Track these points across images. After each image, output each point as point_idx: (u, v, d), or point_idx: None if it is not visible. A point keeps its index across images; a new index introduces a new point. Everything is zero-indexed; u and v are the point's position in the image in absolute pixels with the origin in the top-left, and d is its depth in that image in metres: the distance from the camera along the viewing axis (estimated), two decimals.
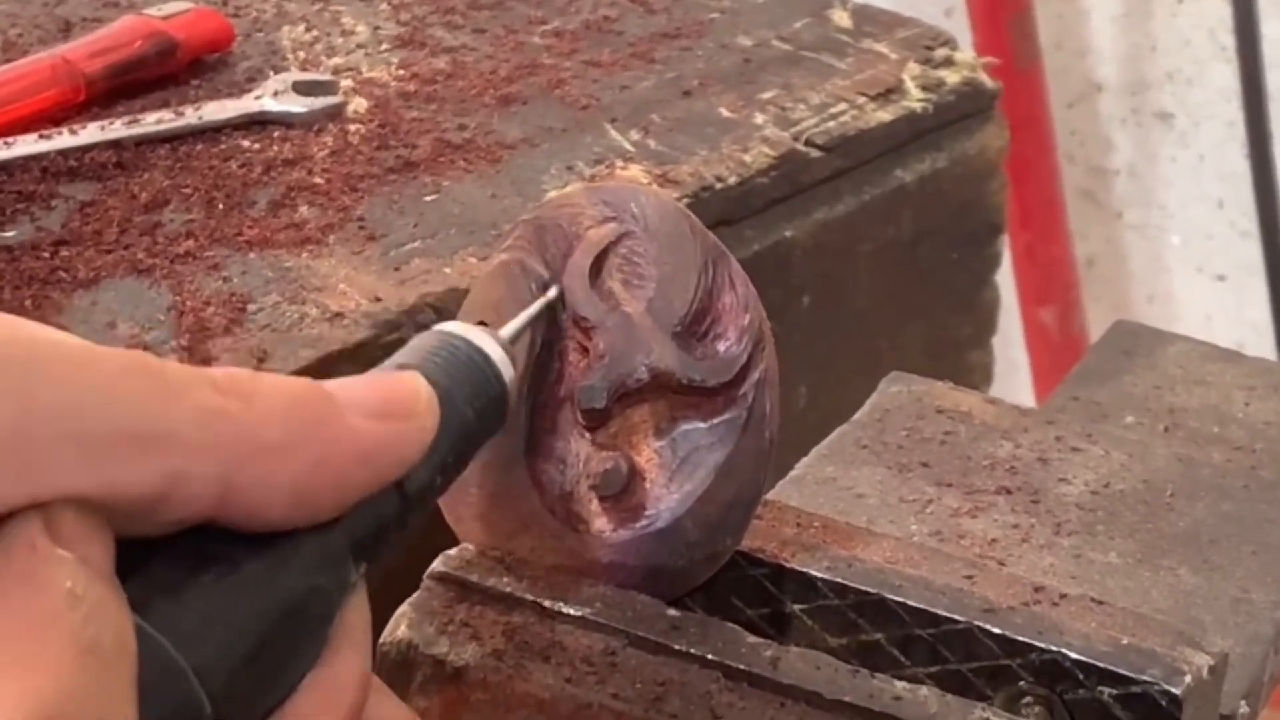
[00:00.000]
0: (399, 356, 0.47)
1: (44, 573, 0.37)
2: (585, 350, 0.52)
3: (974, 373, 0.99)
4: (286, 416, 0.41)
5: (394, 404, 0.43)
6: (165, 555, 0.40)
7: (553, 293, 0.52)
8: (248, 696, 0.40)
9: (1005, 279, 1.02)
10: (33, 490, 0.38)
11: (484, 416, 0.46)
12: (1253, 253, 1.57)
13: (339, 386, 0.43)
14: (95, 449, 0.38)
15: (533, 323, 0.51)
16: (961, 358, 0.98)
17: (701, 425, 0.52)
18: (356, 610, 0.43)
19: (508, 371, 0.47)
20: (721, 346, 0.52)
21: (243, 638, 0.40)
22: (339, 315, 0.75)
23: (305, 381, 0.42)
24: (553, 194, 0.82)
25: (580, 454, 0.52)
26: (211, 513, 0.40)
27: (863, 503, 0.65)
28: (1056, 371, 1.52)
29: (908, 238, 0.93)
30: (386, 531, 0.44)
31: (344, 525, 0.42)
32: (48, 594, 0.37)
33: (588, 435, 0.52)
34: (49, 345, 0.39)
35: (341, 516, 0.42)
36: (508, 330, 0.49)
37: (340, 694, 0.42)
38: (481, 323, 0.49)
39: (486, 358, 0.47)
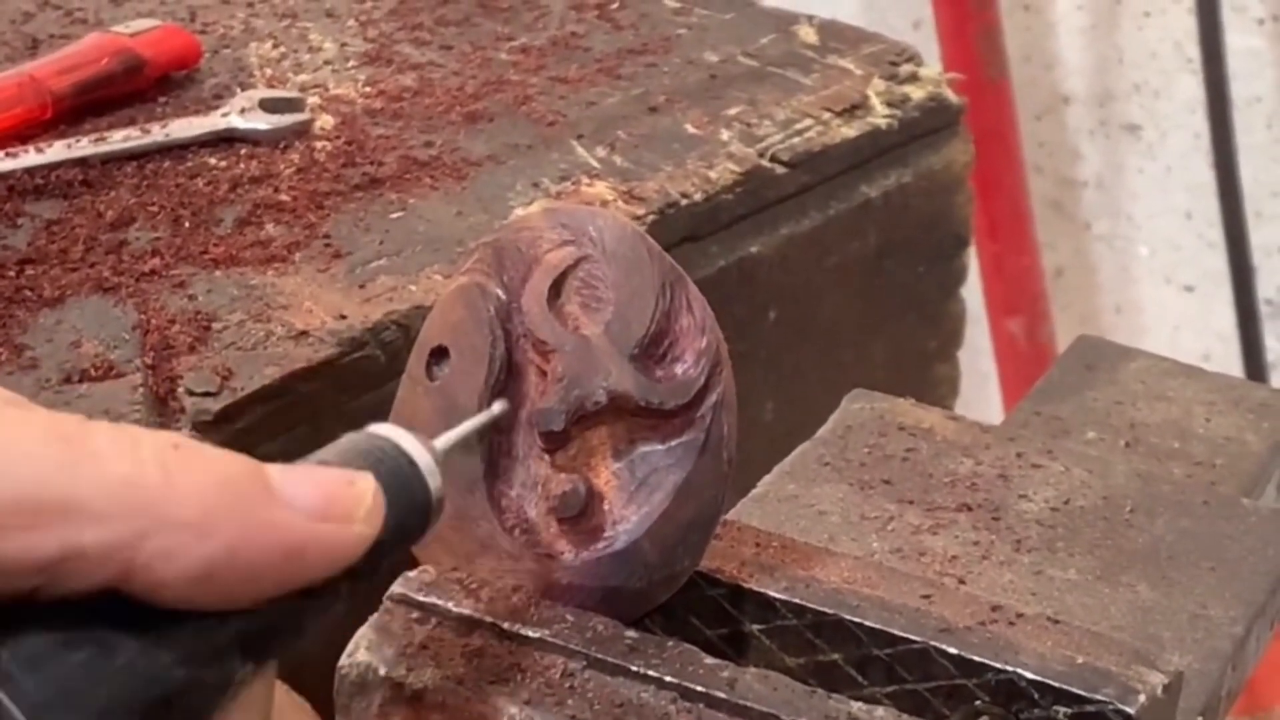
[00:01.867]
0: (325, 453, 0.45)
1: None
2: (544, 373, 0.53)
3: (940, 386, 0.99)
4: (206, 495, 0.40)
5: (335, 504, 0.41)
6: (48, 620, 0.39)
7: (497, 408, 0.52)
8: None
9: (973, 290, 1.03)
10: None
11: (404, 526, 0.45)
12: (1219, 264, 1.57)
13: (283, 472, 0.41)
14: None
15: (475, 435, 0.51)
16: (928, 371, 0.99)
17: (660, 447, 0.52)
18: (247, 709, 0.42)
19: (435, 482, 0.46)
20: (679, 369, 0.52)
21: (101, 718, 0.39)
22: (304, 333, 0.75)
23: (244, 462, 0.41)
24: (519, 211, 0.83)
25: (539, 476, 0.53)
26: (114, 583, 0.39)
27: (824, 520, 0.65)
28: (1025, 382, 1.53)
29: (873, 253, 0.93)
30: (280, 633, 0.42)
31: (240, 622, 0.41)
32: None
33: (546, 457, 0.53)
34: None
35: (238, 614, 0.41)
36: (443, 441, 0.48)
37: None
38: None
39: (415, 466, 0.45)
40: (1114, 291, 1.72)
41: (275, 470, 0.41)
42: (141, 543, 0.39)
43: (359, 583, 0.44)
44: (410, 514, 0.45)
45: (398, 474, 0.45)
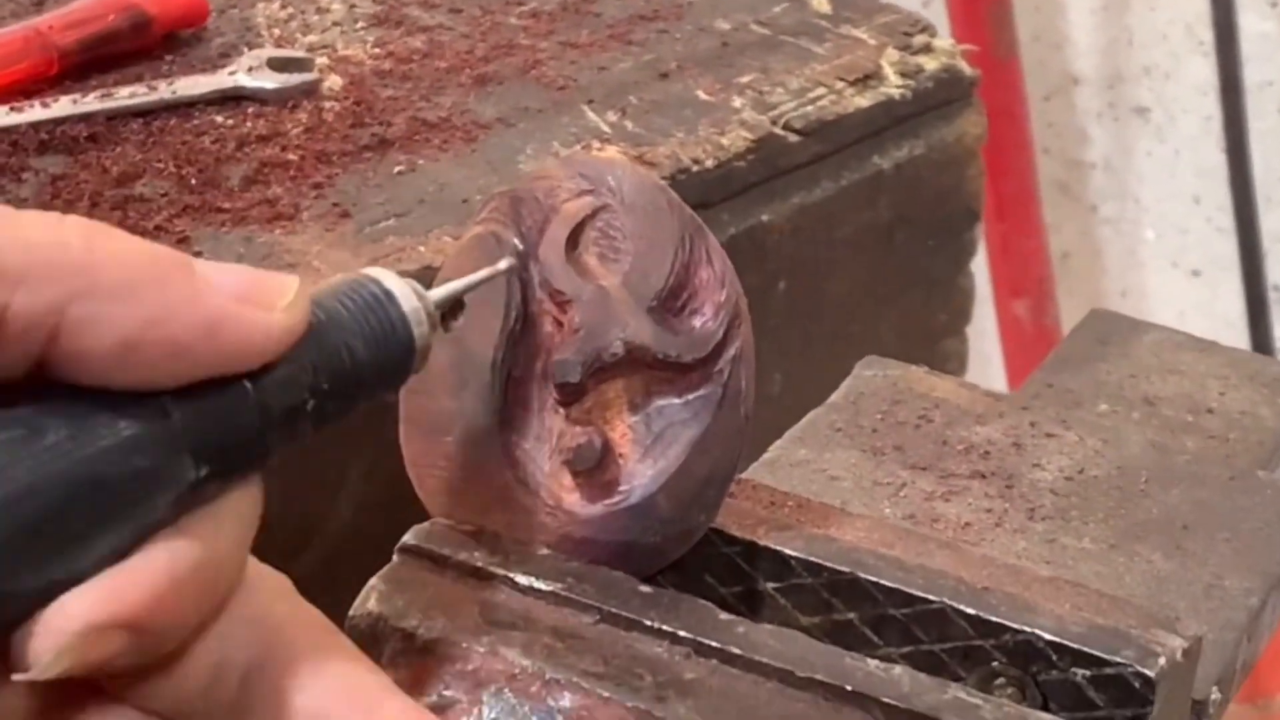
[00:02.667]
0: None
1: None
2: (560, 324, 0.52)
3: (949, 361, 0.99)
4: (128, 263, 0.40)
5: (257, 291, 0.42)
6: None
7: (503, 264, 0.51)
8: (30, 558, 0.39)
9: (979, 271, 1.02)
10: None
11: (379, 361, 0.44)
12: (1227, 248, 1.57)
13: (208, 265, 0.42)
14: None
15: (477, 288, 0.49)
16: (937, 345, 0.98)
17: (676, 401, 0.51)
18: (216, 527, 0.42)
19: (419, 324, 0.45)
20: (697, 322, 0.52)
21: (29, 495, 0.39)
22: None
23: (161, 246, 0.42)
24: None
25: (554, 429, 0.52)
26: (40, 351, 0.39)
27: (836, 485, 0.64)
28: (1029, 364, 1.52)
29: (885, 224, 0.93)
30: (237, 439, 0.42)
31: (181, 415, 0.41)
32: None
33: (562, 410, 0.52)
34: None
35: (174, 404, 0.41)
36: (438, 292, 0.47)
37: (157, 575, 0.40)
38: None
39: (395, 303, 0.45)
40: (1120, 275, 1.71)
41: (201, 263, 0.42)
42: (68, 307, 0.39)
43: (327, 408, 0.43)
44: (386, 348, 0.44)
45: (375, 306, 0.44)
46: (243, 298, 0.42)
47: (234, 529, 0.43)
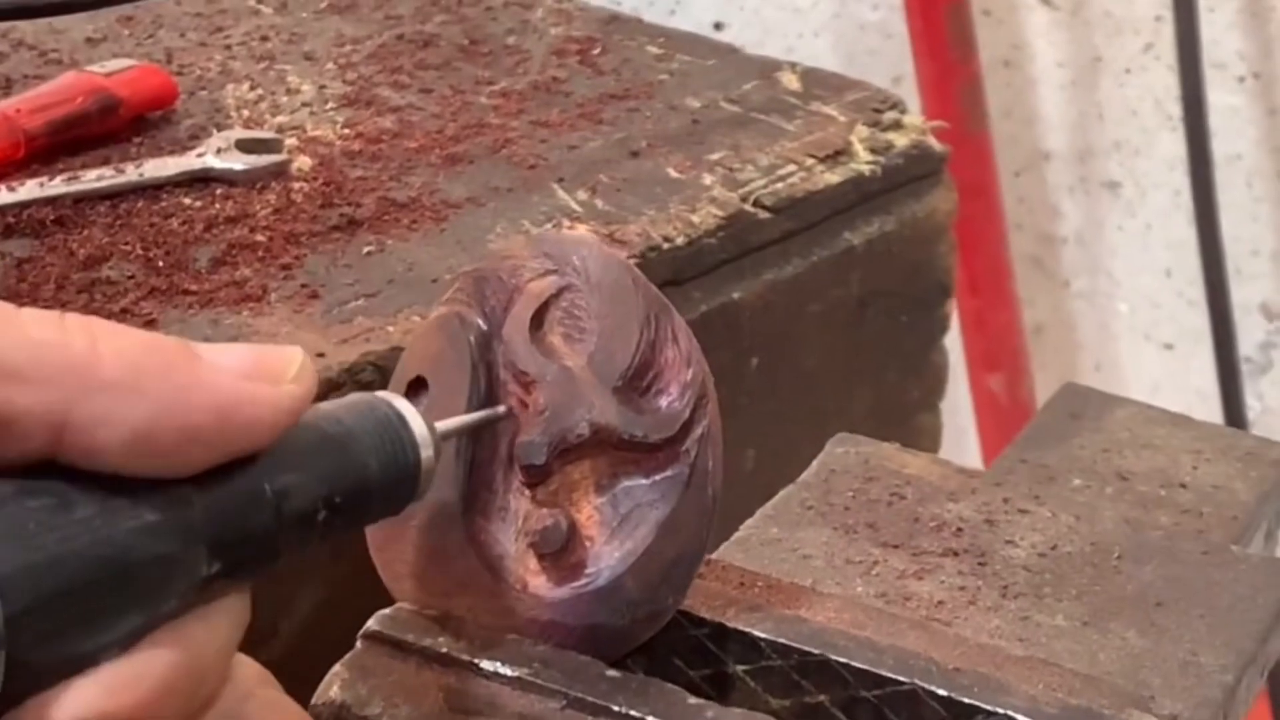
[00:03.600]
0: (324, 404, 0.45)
1: None
2: (525, 405, 0.52)
3: (923, 436, 0.98)
4: (131, 356, 0.40)
5: (262, 367, 0.42)
6: (4, 474, 0.39)
7: (501, 409, 0.51)
8: (47, 631, 0.39)
9: (953, 345, 1.02)
10: None
11: (389, 481, 0.45)
12: (1198, 321, 1.57)
13: (209, 347, 0.42)
14: None
15: (473, 430, 0.50)
16: (910, 421, 0.98)
17: (644, 481, 0.51)
18: (215, 625, 0.42)
19: (425, 447, 0.46)
20: (664, 402, 0.51)
21: (53, 569, 0.38)
22: None
23: (163, 335, 0.42)
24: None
25: (519, 511, 0.51)
26: (48, 450, 0.39)
27: (808, 564, 0.64)
28: (1004, 438, 1.52)
29: (856, 300, 0.93)
30: (251, 538, 0.42)
31: (202, 507, 0.41)
32: None
33: (527, 492, 0.52)
34: None
35: (197, 495, 0.41)
36: (445, 424, 0.48)
37: (155, 676, 0.40)
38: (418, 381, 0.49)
39: (405, 424, 0.46)
40: (1093, 349, 1.71)
41: (202, 345, 0.42)
42: (73, 406, 0.39)
43: (336, 520, 0.44)
44: (396, 470, 0.45)
45: (387, 425, 0.45)
46: (249, 375, 0.42)
47: (229, 631, 0.43)
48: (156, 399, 0.40)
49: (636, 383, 0.51)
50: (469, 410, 0.51)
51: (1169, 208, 1.62)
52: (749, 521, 0.67)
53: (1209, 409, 1.55)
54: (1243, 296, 1.57)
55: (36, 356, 0.39)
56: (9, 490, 0.39)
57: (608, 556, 0.51)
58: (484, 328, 0.52)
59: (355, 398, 0.46)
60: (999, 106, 1.61)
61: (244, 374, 0.42)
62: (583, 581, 0.51)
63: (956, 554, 0.65)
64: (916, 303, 0.96)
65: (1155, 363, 1.68)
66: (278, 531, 0.42)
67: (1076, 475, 0.75)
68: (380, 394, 0.47)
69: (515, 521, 0.51)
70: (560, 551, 0.51)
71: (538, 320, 0.52)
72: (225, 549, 0.42)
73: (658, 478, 0.51)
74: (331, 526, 0.44)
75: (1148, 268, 1.66)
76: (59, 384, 0.39)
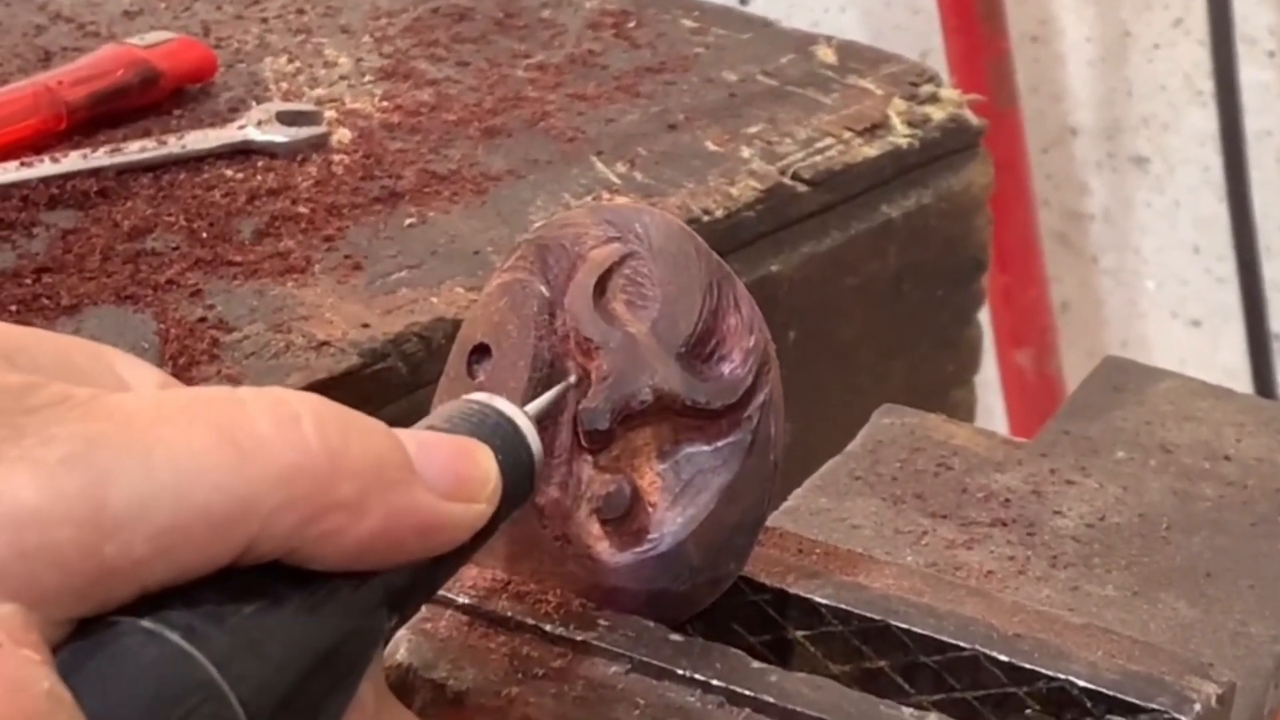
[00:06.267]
0: (433, 419, 0.47)
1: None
2: (587, 372, 0.52)
3: (957, 410, 0.99)
4: (364, 477, 0.41)
5: (464, 486, 0.44)
6: (212, 584, 0.39)
7: (572, 377, 0.52)
8: None
9: (982, 321, 1.02)
10: (103, 599, 0.38)
11: (515, 481, 0.47)
12: (1228, 298, 1.57)
13: (419, 448, 0.43)
14: (168, 539, 0.38)
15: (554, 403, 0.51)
16: (945, 395, 0.98)
17: (705, 448, 0.51)
18: (379, 661, 0.44)
19: (535, 445, 0.48)
20: (726, 368, 0.51)
21: (283, 670, 0.40)
22: (325, 344, 0.74)
23: (387, 436, 0.43)
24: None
25: (582, 477, 0.52)
26: (273, 559, 0.41)
27: (857, 534, 0.64)
28: (1032, 414, 1.52)
29: (893, 273, 0.93)
30: (420, 583, 0.44)
31: (384, 576, 0.43)
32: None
33: (590, 458, 0.52)
34: (122, 428, 0.39)
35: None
36: (534, 407, 0.49)
37: None
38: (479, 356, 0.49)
39: (519, 433, 0.47)
40: (1121, 325, 1.71)
41: (411, 444, 0.43)
42: (308, 525, 0.40)
43: (478, 543, 0.45)
44: (518, 476, 0.47)
45: (506, 439, 0.47)
46: (453, 496, 0.44)
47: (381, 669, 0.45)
48: (377, 518, 0.41)
49: (699, 349, 0.51)
50: (531, 375, 0.51)
51: (1197, 184, 1.61)
52: (797, 491, 0.67)
53: (1237, 386, 1.54)
54: (1272, 273, 1.56)
55: (283, 487, 0.40)
56: (225, 599, 0.39)
57: (670, 522, 0.51)
58: (547, 295, 0.52)
59: (460, 408, 0.47)
60: (1026, 82, 1.61)
61: (448, 494, 0.43)
62: (645, 547, 0.51)
63: (1005, 524, 0.65)
64: (952, 277, 0.96)
65: (1182, 339, 1.67)
66: (436, 571, 0.44)
67: (1120, 448, 0.75)
68: (477, 397, 0.48)
69: (578, 487, 0.52)
70: (623, 517, 0.51)
71: (600, 287, 0.52)
72: (399, 600, 0.43)
73: (720, 444, 0.51)
74: (478, 541, 0.45)
75: (1175, 244, 1.65)
76: (300, 509, 0.40)
